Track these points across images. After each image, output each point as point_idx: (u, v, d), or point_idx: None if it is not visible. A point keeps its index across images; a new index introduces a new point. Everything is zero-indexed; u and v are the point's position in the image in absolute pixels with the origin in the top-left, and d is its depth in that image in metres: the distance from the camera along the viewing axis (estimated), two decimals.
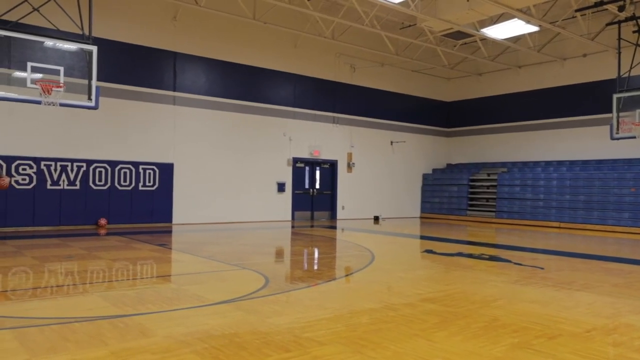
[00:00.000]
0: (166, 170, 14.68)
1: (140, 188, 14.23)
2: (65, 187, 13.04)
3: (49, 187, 12.80)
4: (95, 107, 9.45)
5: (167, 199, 14.70)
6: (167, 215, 14.72)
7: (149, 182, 14.38)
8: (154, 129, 14.61)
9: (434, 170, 21.84)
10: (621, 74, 12.95)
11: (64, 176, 13.01)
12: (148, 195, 14.36)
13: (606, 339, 4.09)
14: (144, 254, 8.79)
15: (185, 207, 15.03)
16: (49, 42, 9.06)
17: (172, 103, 14.94)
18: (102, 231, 12.68)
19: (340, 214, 18.80)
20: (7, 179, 9.70)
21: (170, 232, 13.12)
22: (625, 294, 5.95)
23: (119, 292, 5.70)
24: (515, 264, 8.12)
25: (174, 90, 15.01)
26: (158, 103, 14.69)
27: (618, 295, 5.83)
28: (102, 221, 13.51)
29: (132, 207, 14.09)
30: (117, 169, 13.85)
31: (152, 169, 14.45)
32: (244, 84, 16.41)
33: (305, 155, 17.90)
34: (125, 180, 13.97)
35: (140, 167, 14.24)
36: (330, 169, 18.83)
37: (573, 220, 16.55)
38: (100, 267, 7.36)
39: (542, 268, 7.75)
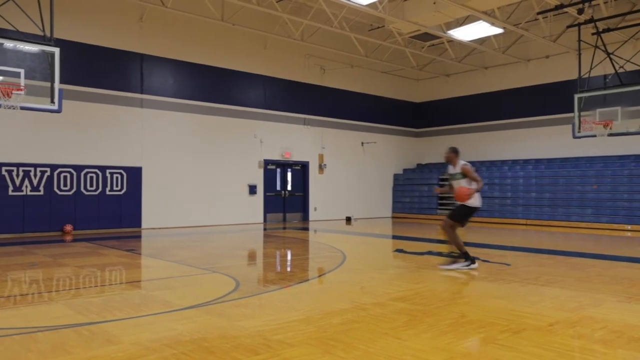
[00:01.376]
0: (134, 174, 14.42)
1: (108, 193, 13.94)
2: (29, 193, 12.67)
3: (10, 193, 12.42)
4: (59, 111, 9.21)
5: (135, 204, 14.44)
6: (136, 220, 14.45)
7: (117, 186, 14.11)
8: (121, 132, 14.34)
9: (405, 170, 22.08)
10: (582, 74, 13.33)
11: (26, 182, 12.64)
12: (116, 200, 14.08)
13: (569, 331, 4.20)
14: (112, 260, 8.62)
15: (154, 211, 14.79)
16: (8, 44, 8.80)
17: (139, 106, 14.70)
18: (68, 237, 12.37)
19: (312, 215, 18.82)
20: None
21: (139, 237, 12.89)
22: (587, 287, 6.13)
23: (85, 299, 5.57)
24: (483, 261, 8.27)
25: (141, 93, 14.77)
26: (125, 106, 14.43)
27: (581, 289, 6.00)
28: (68, 227, 13.18)
29: (100, 212, 13.79)
30: (82, 173, 13.53)
31: (120, 173, 14.18)
32: (213, 86, 16.27)
33: (276, 157, 17.86)
34: (91, 185, 13.67)
35: (107, 171, 13.95)
36: (301, 171, 18.82)
37: (539, 217, 16.96)
38: (65, 274, 7.18)
39: (509, 264, 7.92)
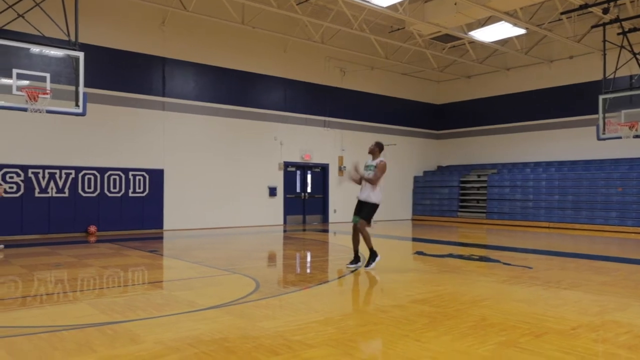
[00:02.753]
0: (156, 177, 14.63)
1: (130, 194, 14.17)
2: (54, 195, 12.95)
3: (37, 195, 12.71)
4: (83, 114, 9.41)
5: (157, 205, 14.65)
6: (157, 222, 14.66)
7: (139, 188, 14.33)
8: (144, 135, 14.57)
9: (425, 172, 21.94)
10: (606, 75, 13.10)
11: (52, 184, 12.92)
12: (138, 201, 14.30)
13: (592, 335, 4.14)
14: (135, 261, 8.76)
15: (176, 213, 14.98)
16: (34, 49, 9.03)
17: (161, 109, 14.91)
18: (92, 238, 12.60)
19: (332, 217, 18.82)
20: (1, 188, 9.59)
21: (161, 238, 13.07)
22: (611, 291, 6.02)
23: (108, 299, 5.68)
24: (505, 264, 8.18)
25: (163, 96, 14.98)
26: (147, 109, 14.66)
27: (605, 293, 5.90)
28: (92, 228, 13.42)
29: (122, 213, 14.02)
30: (106, 175, 13.78)
31: (142, 175, 14.40)
32: (234, 89, 16.42)
33: (296, 159, 17.92)
34: (114, 187, 13.91)
35: (130, 173, 14.18)
36: (321, 173, 18.85)
37: (562, 220, 16.68)
38: (90, 274, 7.33)
39: (531, 267, 7.81)
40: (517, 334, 4.15)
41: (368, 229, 7.64)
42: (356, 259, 7.79)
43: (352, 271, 7.52)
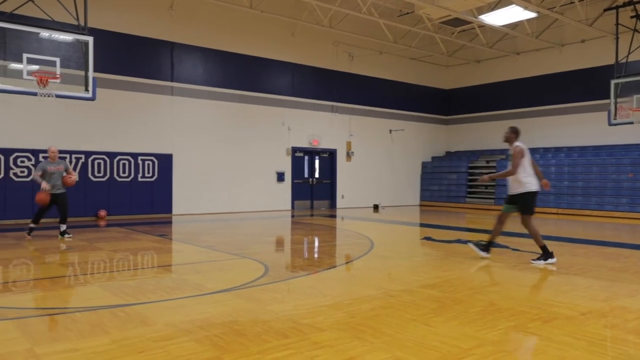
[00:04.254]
0: (165, 161, 14.69)
1: (140, 179, 14.25)
2: None
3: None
4: (93, 98, 9.45)
5: (166, 190, 14.73)
6: (166, 206, 14.76)
7: (148, 173, 14.40)
8: (152, 120, 14.60)
9: (433, 158, 21.86)
10: (619, 59, 12.93)
11: None
12: (147, 186, 14.39)
13: (601, 321, 4.14)
14: (144, 245, 8.84)
15: (185, 197, 15.07)
16: (44, 33, 9.03)
17: (170, 94, 14.92)
18: (102, 223, 12.72)
19: (339, 202, 18.85)
20: (45, 190, 9.12)
21: (170, 222, 13.17)
22: (621, 278, 6.00)
23: (119, 282, 5.75)
24: (513, 249, 8.17)
25: (172, 81, 14.97)
26: (156, 94, 14.67)
27: (614, 279, 5.88)
28: (102, 212, 13.54)
29: (132, 198, 14.12)
30: (115, 160, 13.86)
31: (151, 160, 14.46)
32: (242, 74, 16.37)
33: (304, 144, 17.90)
34: (124, 172, 13.99)
35: (139, 158, 14.25)
36: (329, 158, 18.84)
37: (571, 206, 16.60)
38: (100, 258, 7.41)
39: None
40: (526, 319, 4.16)
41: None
42: (488, 247, 7.27)
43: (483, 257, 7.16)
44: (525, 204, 6.93)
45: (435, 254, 8.01)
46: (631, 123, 12.52)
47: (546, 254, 6.90)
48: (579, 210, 16.33)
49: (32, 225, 9.38)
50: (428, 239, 9.96)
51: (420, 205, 20.99)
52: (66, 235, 9.39)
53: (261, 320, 4.11)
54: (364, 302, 4.72)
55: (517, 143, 6.98)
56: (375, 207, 18.78)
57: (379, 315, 4.28)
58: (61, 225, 9.43)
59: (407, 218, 15.45)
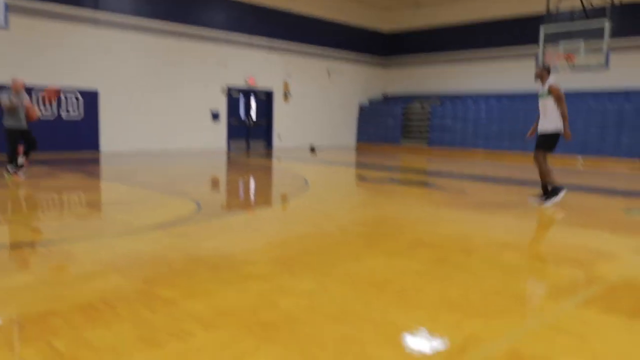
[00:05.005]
0: (90, 98, 13.85)
1: (64, 117, 13.42)
2: None
3: None
4: (6, 27, 8.63)
5: (92, 127, 13.99)
6: (93, 143, 14.07)
7: (72, 109, 13.57)
8: (75, 53, 13.59)
9: (370, 101, 22.00)
10: (550, 7, 13.29)
11: None
12: (71, 123, 13.59)
13: (516, 251, 4.46)
14: (70, 183, 8.45)
15: (113, 135, 14.39)
16: None
17: (94, 24, 13.87)
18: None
19: (276, 143, 18.74)
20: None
21: (98, 160, 12.62)
22: (536, 214, 6.44)
23: (42, 221, 5.50)
24: (441, 189, 8.52)
25: (96, 9, 13.89)
26: (78, 23, 13.59)
27: (531, 216, 6.30)
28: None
29: (57, 135, 13.31)
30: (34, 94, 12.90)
31: (75, 96, 13.59)
32: (175, 5, 15.43)
33: (240, 83, 17.43)
34: (45, 109, 13.09)
35: (62, 93, 13.33)
36: (266, 98, 18.51)
37: (498, 148, 17.38)
38: (22, 196, 7.02)
39: (465, 192, 8.19)
40: (449, 251, 4.40)
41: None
42: (551, 194, 6.89)
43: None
44: (553, 142, 6.81)
45: (368, 194, 8.22)
46: (556, 71, 13.07)
47: (555, 190, 6.80)
48: (505, 152, 17.11)
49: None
50: (362, 179, 10.17)
51: (357, 147, 21.28)
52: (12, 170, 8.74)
53: (193, 256, 4.10)
54: (297, 239, 4.80)
55: (552, 81, 6.71)
56: (312, 150, 18.78)
57: (312, 251, 4.38)
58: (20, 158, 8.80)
59: (343, 158, 15.66)
